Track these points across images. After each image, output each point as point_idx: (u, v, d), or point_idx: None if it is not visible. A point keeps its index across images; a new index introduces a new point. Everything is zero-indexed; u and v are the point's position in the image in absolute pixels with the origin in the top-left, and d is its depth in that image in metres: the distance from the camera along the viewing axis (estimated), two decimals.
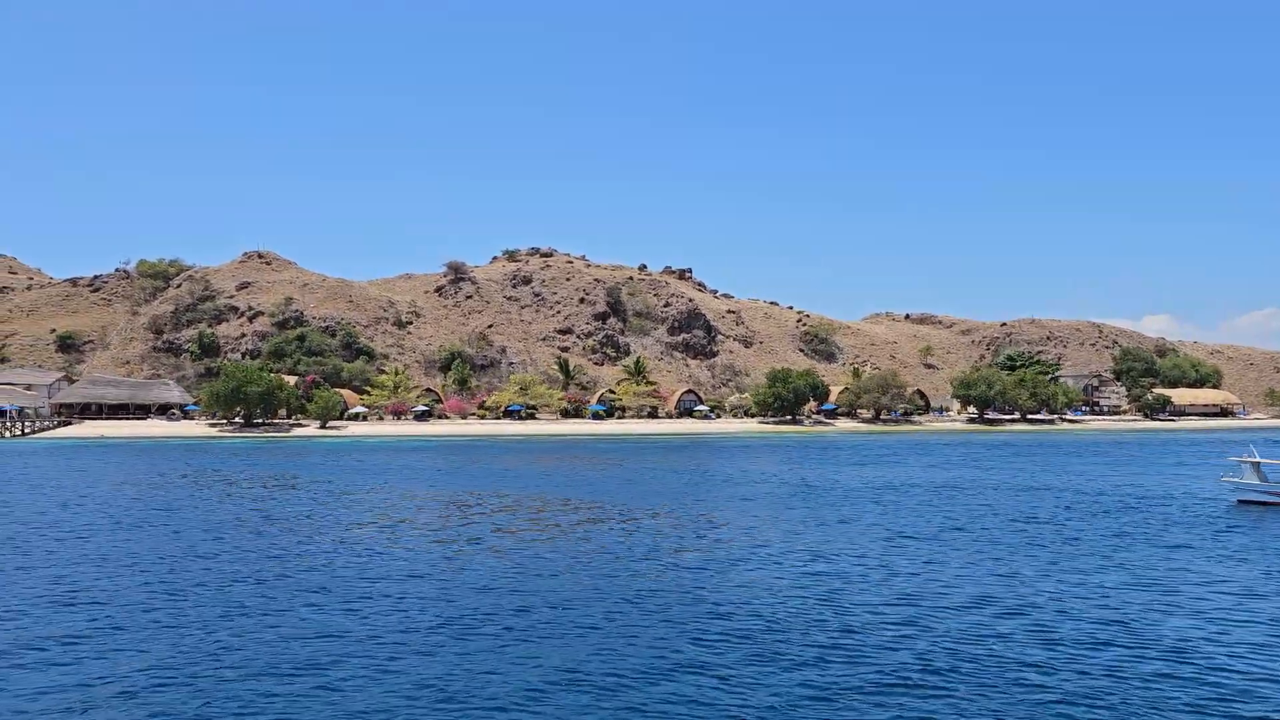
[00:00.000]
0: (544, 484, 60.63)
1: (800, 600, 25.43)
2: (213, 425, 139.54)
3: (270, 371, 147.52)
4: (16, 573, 29.88)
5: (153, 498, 51.79)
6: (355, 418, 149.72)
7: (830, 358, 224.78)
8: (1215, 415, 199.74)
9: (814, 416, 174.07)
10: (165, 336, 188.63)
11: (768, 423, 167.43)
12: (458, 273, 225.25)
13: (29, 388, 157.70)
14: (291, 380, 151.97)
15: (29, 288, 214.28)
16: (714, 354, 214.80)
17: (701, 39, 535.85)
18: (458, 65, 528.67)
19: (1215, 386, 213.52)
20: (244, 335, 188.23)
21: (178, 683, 18.61)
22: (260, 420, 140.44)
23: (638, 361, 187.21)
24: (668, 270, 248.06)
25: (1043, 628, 22.62)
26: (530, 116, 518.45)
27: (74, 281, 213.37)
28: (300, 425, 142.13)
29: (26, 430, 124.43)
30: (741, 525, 40.25)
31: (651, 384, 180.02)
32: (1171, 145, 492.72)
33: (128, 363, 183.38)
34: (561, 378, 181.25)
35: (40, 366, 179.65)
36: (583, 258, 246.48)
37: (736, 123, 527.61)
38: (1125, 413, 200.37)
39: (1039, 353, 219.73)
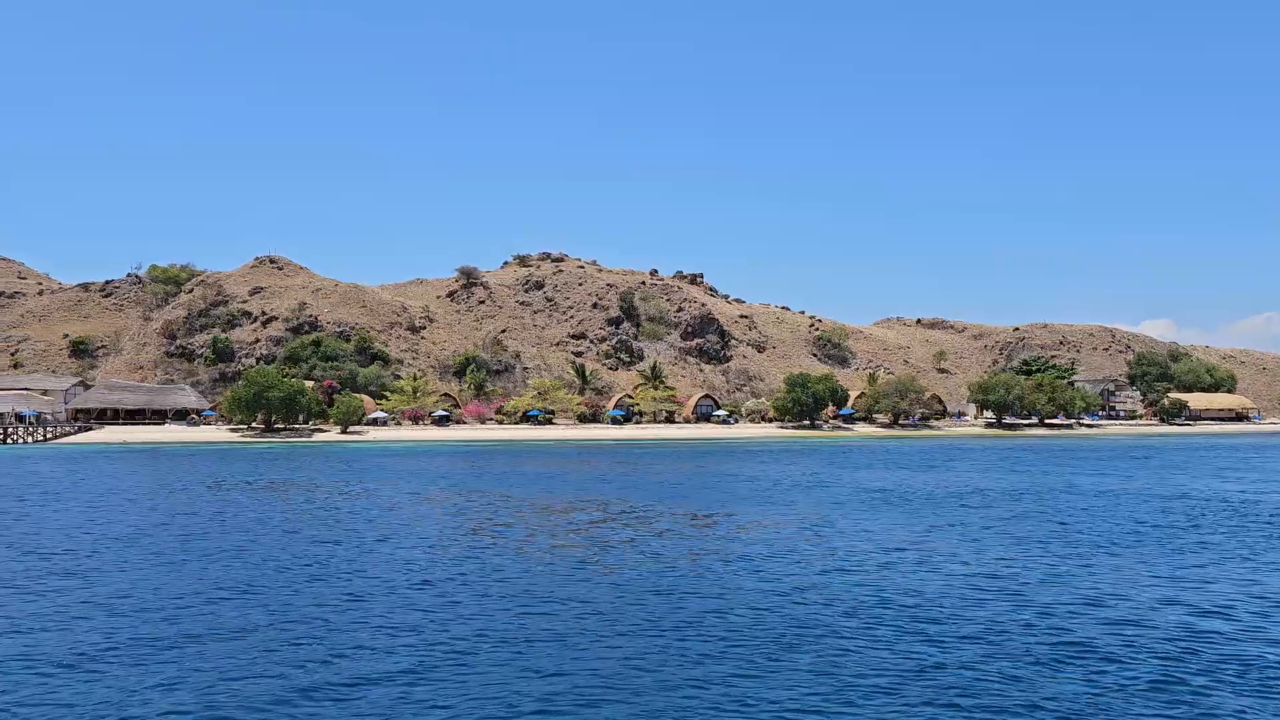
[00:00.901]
0: (608, 489, 59.92)
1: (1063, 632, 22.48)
2: (233, 430, 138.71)
3: (288, 377, 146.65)
4: (186, 577, 29.17)
5: (238, 504, 51.07)
6: (374, 423, 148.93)
7: (843, 362, 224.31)
8: (1231, 420, 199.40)
9: (832, 421, 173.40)
10: (178, 341, 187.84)
11: (787, 427, 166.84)
12: (469, 278, 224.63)
13: (45, 393, 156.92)
14: (308, 385, 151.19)
15: (40, 293, 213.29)
16: (727, 359, 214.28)
17: (709, 44, 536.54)
18: (463, 72, 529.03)
19: (1230, 391, 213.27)
20: (258, 340, 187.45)
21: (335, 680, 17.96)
22: (281, 425, 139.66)
23: (654, 366, 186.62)
24: (679, 275, 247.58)
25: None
26: (538, 122, 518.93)
27: (85, 286, 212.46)
28: (321, 430, 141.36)
29: (49, 435, 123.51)
30: (875, 536, 37.68)
31: (669, 389, 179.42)
32: (1171, 149, 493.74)
33: (141, 368, 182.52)
34: (578, 382, 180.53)
35: (53, 372, 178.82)
36: (594, 262, 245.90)
37: (744, 127, 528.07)
38: (1141, 418, 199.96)
39: (1052, 357, 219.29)
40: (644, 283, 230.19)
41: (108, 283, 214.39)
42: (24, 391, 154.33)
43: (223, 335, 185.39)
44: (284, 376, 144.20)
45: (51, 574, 29.83)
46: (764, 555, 32.93)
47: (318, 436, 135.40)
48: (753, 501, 51.09)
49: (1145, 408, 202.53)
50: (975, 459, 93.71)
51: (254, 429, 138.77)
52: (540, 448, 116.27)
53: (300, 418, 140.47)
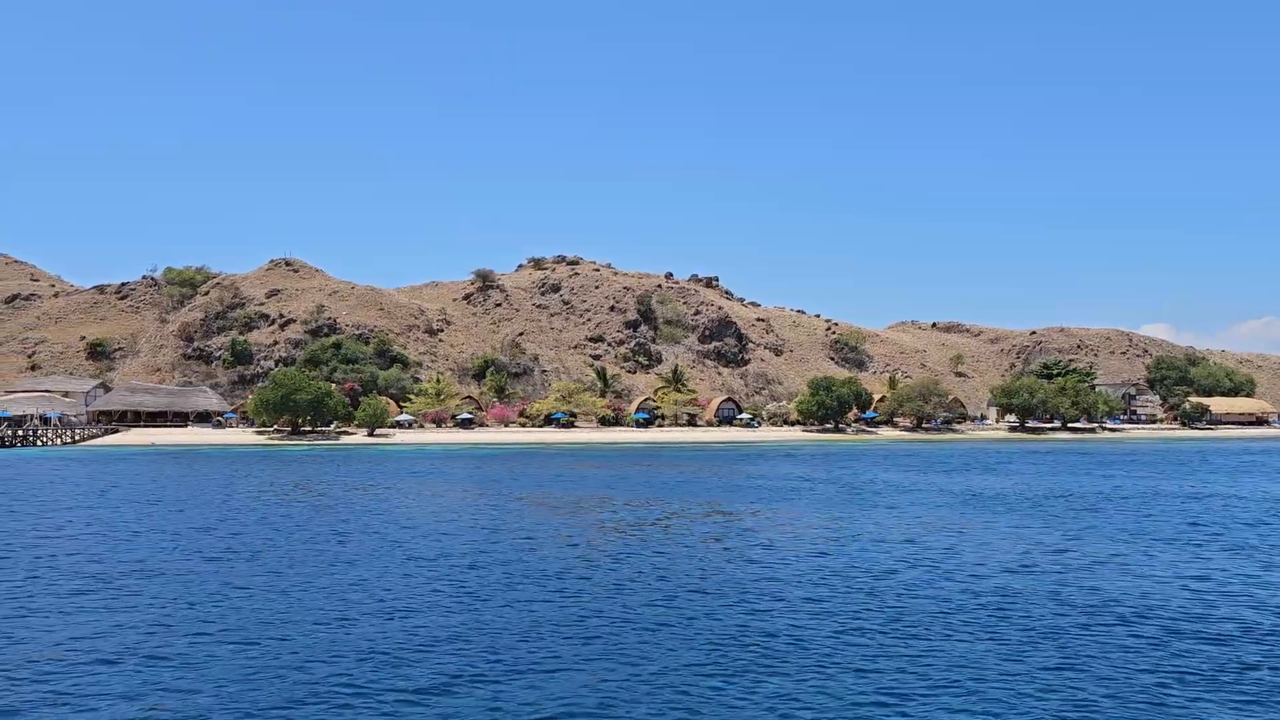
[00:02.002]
0: (665, 489, 59.11)
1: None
2: (259, 433, 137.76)
3: (311, 380, 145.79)
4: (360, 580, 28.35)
5: (321, 505, 50.26)
6: (398, 425, 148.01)
7: (860, 366, 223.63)
8: (1251, 424, 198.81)
9: (855, 425, 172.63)
10: (196, 344, 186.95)
11: (811, 430, 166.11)
12: (486, 280, 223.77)
13: (66, 395, 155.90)
14: (333, 388, 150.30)
15: (56, 295, 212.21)
16: (745, 362, 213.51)
17: (722, 46, 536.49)
18: (474, 75, 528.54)
19: (1249, 395, 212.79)
20: (276, 343, 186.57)
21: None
22: (307, 428, 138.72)
23: (676, 369, 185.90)
24: (694, 278, 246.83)
25: None
26: (551, 125, 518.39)
27: (101, 289, 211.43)
28: (347, 433, 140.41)
29: (77, 438, 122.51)
30: (1030, 541, 36.78)
31: (691, 392, 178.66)
32: (1170, 151, 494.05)
33: (158, 370, 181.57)
34: (599, 385, 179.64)
35: (71, 374, 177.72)
36: (609, 265, 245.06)
37: (756, 130, 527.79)
38: (1161, 422, 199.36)
39: (1070, 361, 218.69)
40: (660, 285, 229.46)
41: (123, 285, 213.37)
42: (45, 394, 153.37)
43: (241, 338, 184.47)
44: (317, 380, 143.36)
45: (298, 575, 29.01)
46: (946, 564, 32.13)
47: (344, 439, 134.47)
48: (856, 506, 50.18)
49: (1165, 412, 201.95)
50: (1026, 463, 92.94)
51: (280, 431, 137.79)
52: (576, 450, 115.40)
53: (327, 420, 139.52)
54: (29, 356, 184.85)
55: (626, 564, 31.18)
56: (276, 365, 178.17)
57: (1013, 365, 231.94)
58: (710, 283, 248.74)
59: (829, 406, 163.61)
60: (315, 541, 36.63)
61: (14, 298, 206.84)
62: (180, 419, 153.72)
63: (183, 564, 31.34)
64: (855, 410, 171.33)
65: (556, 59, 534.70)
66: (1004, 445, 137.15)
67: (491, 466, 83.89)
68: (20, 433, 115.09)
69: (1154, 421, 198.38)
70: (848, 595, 25.93)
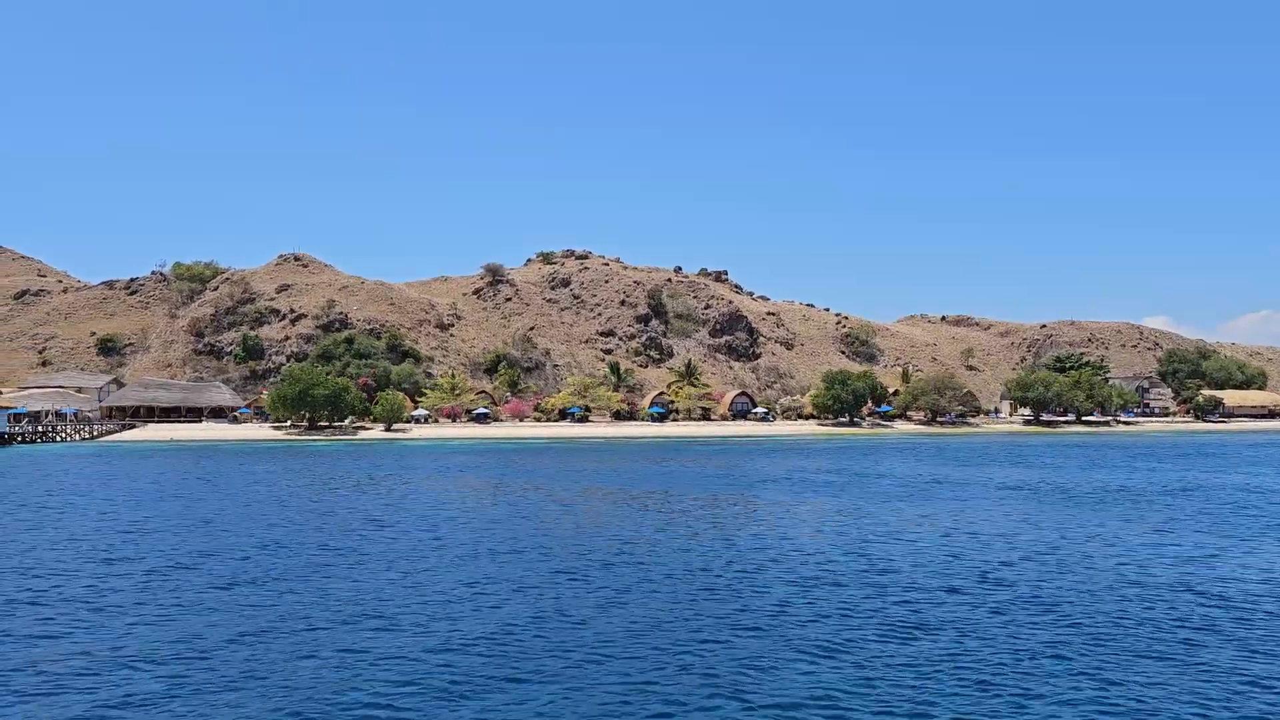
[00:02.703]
0: (742, 484, 58.61)
1: None
2: (276, 428, 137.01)
3: (326, 375, 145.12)
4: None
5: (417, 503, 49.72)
6: (415, 420, 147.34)
7: (871, 359, 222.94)
8: (1264, 417, 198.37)
9: (869, 418, 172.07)
10: (207, 339, 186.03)
11: (826, 424, 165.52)
12: (495, 275, 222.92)
13: (79, 390, 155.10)
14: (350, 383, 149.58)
15: (65, 291, 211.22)
16: (756, 356, 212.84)
17: (723, 47, 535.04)
18: (480, 72, 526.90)
19: (1261, 388, 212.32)
20: (287, 338, 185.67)
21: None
22: (324, 423, 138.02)
23: (690, 364, 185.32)
24: (703, 272, 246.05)
25: None
26: (556, 121, 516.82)
27: (110, 284, 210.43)
28: (364, 428, 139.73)
29: (96, 433, 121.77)
30: (1130, 535, 36.78)
31: (705, 386, 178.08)
32: (1167, 150, 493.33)
33: (169, 365, 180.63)
34: (613, 379, 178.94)
35: (82, 369, 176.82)
36: (617, 260, 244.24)
37: (760, 127, 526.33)
38: (1174, 414, 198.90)
39: (1081, 355, 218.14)
40: (670, 280, 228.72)
41: (132, 280, 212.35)
42: (59, 389, 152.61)
43: (252, 333, 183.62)
44: (324, 375, 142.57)
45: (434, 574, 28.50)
46: (1093, 566, 31.64)
47: (362, 434, 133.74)
48: (917, 500, 49.77)
49: (1178, 405, 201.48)
50: (1061, 457, 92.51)
51: (296, 427, 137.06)
52: (601, 445, 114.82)
53: (342, 415, 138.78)
54: (40, 352, 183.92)
55: (752, 568, 30.66)
56: (288, 361, 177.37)
57: (1023, 359, 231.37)
58: (719, 277, 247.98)
59: (844, 400, 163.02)
60: (406, 539, 36.15)
61: (23, 294, 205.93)
62: (194, 414, 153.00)
63: (314, 562, 30.81)
64: (870, 404, 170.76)
65: (559, 56, 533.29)
66: (1024, 439, 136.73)
67: (524, 461, 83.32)
68: (40, 429, 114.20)
69: (1167, 414, 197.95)
70: (1023, 603, 25.39)
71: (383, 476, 65.50)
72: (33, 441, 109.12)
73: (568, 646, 19.80)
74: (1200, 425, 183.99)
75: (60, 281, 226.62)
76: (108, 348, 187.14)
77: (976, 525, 38.95)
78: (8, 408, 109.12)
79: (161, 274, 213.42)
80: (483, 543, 34.28)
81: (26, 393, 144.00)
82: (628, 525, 39.23)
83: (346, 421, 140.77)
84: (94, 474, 67.84)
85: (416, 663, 18.66)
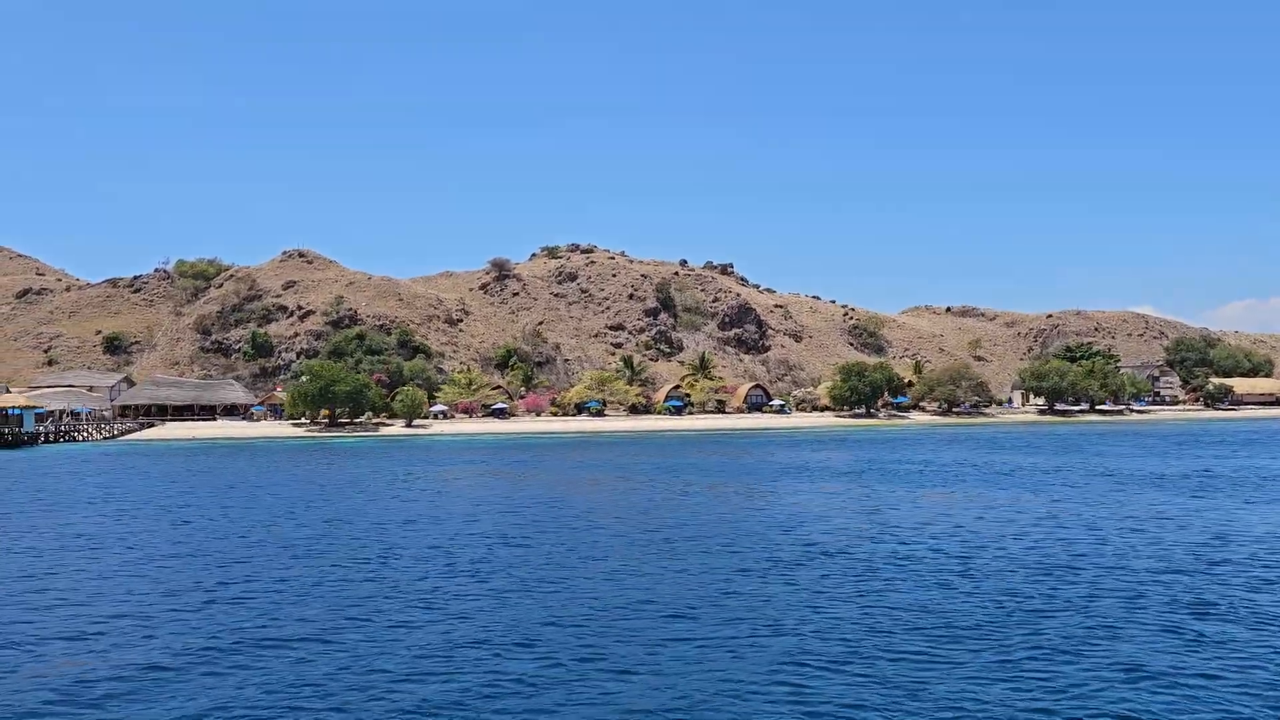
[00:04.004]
0: (795, 474, 57.92)
1: None
2: (296, 425, 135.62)
3: (348, 371, 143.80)
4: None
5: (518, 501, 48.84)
6: (434, 416, 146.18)
7: (879, 351, 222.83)
8: (1273, 404, 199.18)
9: (884, 409, 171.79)
10: (214, 337, 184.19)
11: (843, 416, 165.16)
12: (502, 270, 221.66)
13: (91, 389, 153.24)
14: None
15: (67, 289, 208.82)
16: (766, 349, 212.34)
17: (726, 42, 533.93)
18: (482, 68, 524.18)
19: (1268, 375, 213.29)
20: (296, 335, 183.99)
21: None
22: (344, 419, 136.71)
23: (703, 356, 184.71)
24: (710, 265, 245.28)
25: None
26: (560, 116, 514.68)
27: (114, 282, 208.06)
28: (385, 424, 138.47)
29: (115, 433, 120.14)
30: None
31: (719, 379, 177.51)
32: (1154, 140, 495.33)
33: (176, 364, 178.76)
34: (627, 373, 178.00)
35: (89, 368, 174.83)
36: (623, 253, 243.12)
37: (763, 119, 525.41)
38: (1183, 403, 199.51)
39: (1089, 344, 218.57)
40: (677, 273, 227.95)
41: (136, 278, 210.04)
42: (70, 388, 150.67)
43: (260, 330, 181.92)
44: (344, 371, 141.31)
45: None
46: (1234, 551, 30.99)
47: (384, 430, 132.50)
48: (1039, 490, 49.16)
49: (1187, 393, 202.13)
50: (1102, 444, 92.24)
51: (317, 424, 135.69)
52: (627, 439, 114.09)
53: (363, 412, 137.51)
54: (45, 351, 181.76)
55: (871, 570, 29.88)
56: (298, 357, 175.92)
57: (1030, 349, 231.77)
58: (726, 269, 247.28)
59: (861, 392, 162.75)
60: (497, 532, 35.30)
61: (25, 292, 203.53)
62: (207, 412, 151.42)
63: (440, 556, 29.91)
64: (886, 395, 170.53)
65: (563, 52, 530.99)
66: (1048, 428, 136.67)
67: (569, 455, 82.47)
68: (60, 428, 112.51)
69: (1177, 403, 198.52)
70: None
71: (449, 472, 64.53)
72: (56, 441, 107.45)
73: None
74: (1212, 413, 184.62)
75: (60, 280, 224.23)
76: (114, 346, 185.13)
77: (1133, 514, 38.14)
78: (32, 407, 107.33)
79: (165, 271, 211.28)
80: (625, 533, 33.47)
81: (39, 392, 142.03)
82: (755, 521, 38.42)
83: (366, 418, 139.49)
84: (161, 472, 66.55)
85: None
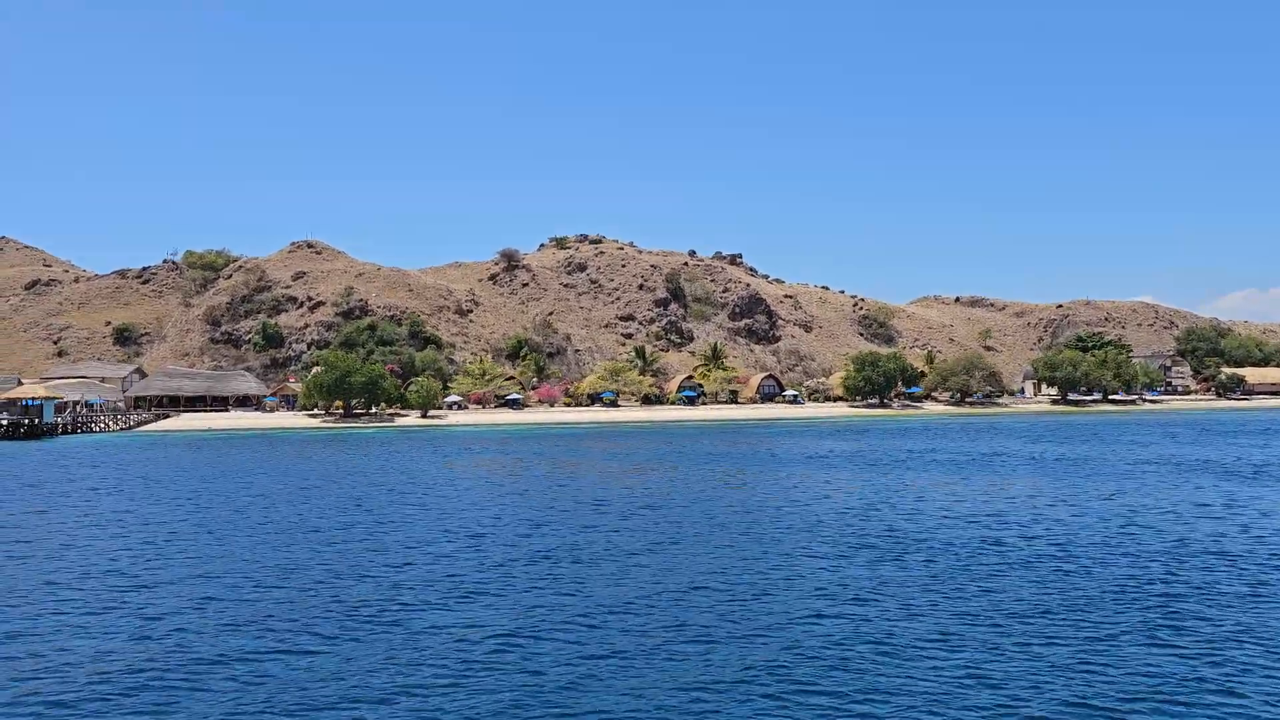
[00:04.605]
0: (851, 465, 57.50)
1: None
2: (311, 416, 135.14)
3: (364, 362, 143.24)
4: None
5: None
6: (449, 407, 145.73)
7: (889, 341, 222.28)
8: None
9: (898, 400, 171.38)
10: (224, 328, 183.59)
11: (857, 406, 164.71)
12: (511, 260, 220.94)
13: (104, 380, 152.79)
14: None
15: (76, 280, 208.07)
16: (776, 339, 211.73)
17: (730, 38, 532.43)
18: (483, 62, 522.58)
19: (1279, 365, 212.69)
20: (306, 325, 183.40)
21: None
22: (360, 410, 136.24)
23: (715, 346, 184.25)
24: (719, 255, 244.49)
25: None
26: (568, 108, 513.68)
27: (122, 274, 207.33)
28: (400, 415, 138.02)
29: (132, 423, 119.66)
30: None
31: (732, 370, 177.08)
32: (1154, 131, 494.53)
33: (187, 355, 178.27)
34: (639, 364, 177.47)
35: (99, 359, 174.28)
36: (631, 244, 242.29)
37: (770, 111, 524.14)
38: (1194, 392, 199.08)
39: (1098, 334, 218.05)
40: (686, 264, 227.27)
41: (145, 269, 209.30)
42: (83, 379, 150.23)
43: (270, 321, 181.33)
44: (359, 362, 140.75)
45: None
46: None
47: (399, 421, 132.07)
48: (1100, 479, 48.76)
49: (1198, 383, 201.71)
50: (1134, 433, 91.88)
51: (332, 414, 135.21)
52: (646, 429, 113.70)
53: (378, 402, 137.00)
54: (55, 343, 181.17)
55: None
56: (309, 348, 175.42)
57: (1040, 339, 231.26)
58: (735, 260, 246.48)
59: (875, 382, 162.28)
60: (573, 521, 34.92)
61: (34, 283, 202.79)
62: (219, 403, 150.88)
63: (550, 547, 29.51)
64: (900, 385, 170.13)
65: (567, 46, 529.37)
66: (1065, 417, 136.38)
67: (594, 445, 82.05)
68: (77, 419, 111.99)
69: (1189, 393, 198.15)
70: None
71: (490, 461, 64.12)
72: (74, 431, 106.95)
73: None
74: (1225, 403, 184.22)
75: (68, 271, 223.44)
76: (124, 337, 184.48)
77: (1205, 501, 37.77)
78: (52, 398, 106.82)
79: (174, 263, 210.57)
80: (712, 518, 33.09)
81: (53, 383, 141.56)
82: (817, 509, 38.03)
83: (380, 409, 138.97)
84: (206, 462, 66.13)
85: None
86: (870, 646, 17.32)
